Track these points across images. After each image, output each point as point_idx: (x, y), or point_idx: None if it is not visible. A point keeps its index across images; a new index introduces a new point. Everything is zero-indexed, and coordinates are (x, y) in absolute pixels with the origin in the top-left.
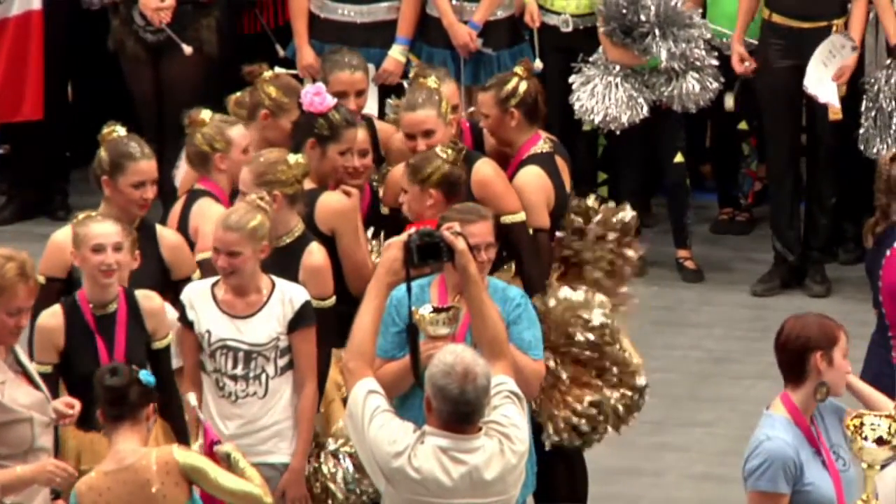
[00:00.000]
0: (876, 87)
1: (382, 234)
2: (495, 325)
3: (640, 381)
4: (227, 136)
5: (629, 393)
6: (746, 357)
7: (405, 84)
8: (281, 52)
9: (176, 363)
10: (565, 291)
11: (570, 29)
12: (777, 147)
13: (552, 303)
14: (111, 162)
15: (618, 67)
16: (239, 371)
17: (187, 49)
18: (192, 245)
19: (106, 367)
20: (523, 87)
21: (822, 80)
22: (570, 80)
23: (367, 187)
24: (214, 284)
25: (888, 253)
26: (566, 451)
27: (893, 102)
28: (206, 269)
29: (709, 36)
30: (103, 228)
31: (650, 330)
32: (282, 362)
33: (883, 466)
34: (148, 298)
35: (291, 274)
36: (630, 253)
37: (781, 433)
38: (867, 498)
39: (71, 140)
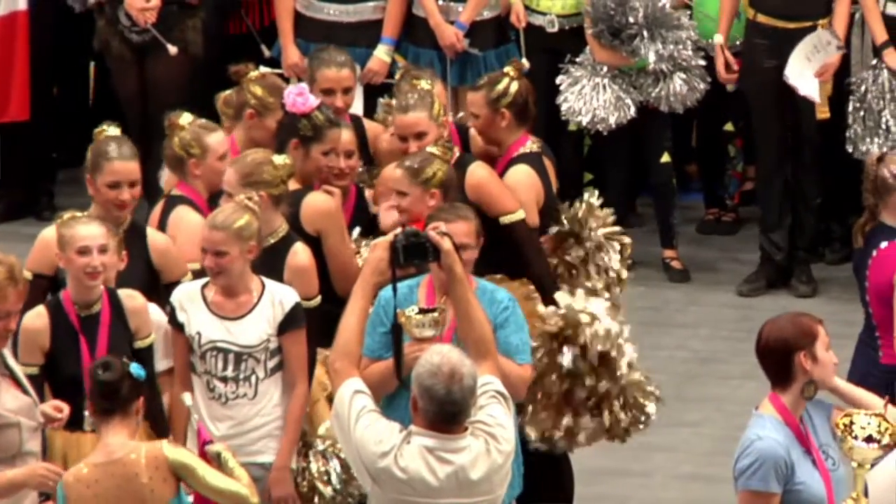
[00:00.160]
0: (863, 88)
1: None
2: (481, 326)
3: (650, 407)
4: (204, 142)
5: (637, 414)
6: (733, 357)
7: (394, 82)
8: (266, 53)
9: (166, 364)
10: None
11: (555, 29)
12: (765, 147)
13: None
14: (91, 161)
15: (605, 68)
16: (229, 373)
17: (172, 49)
18: None
19: (98, 361)
20: (514, 87)
21: (803, 73)
22: (557, 80)
23: (352, 188)
24: (205, 286)
25: (874, 253)
26: (552, 452)
27: (882, 102)
28: (196, 278)
29: (696, 37)
30: (89, 230)
31: (636, 330)
32: (272, 364)
33: (872, 465)
34: (131, 297)
35: (276, 274)
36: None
37: (772, 433)
38: (857, 497)
39: (57, 141)
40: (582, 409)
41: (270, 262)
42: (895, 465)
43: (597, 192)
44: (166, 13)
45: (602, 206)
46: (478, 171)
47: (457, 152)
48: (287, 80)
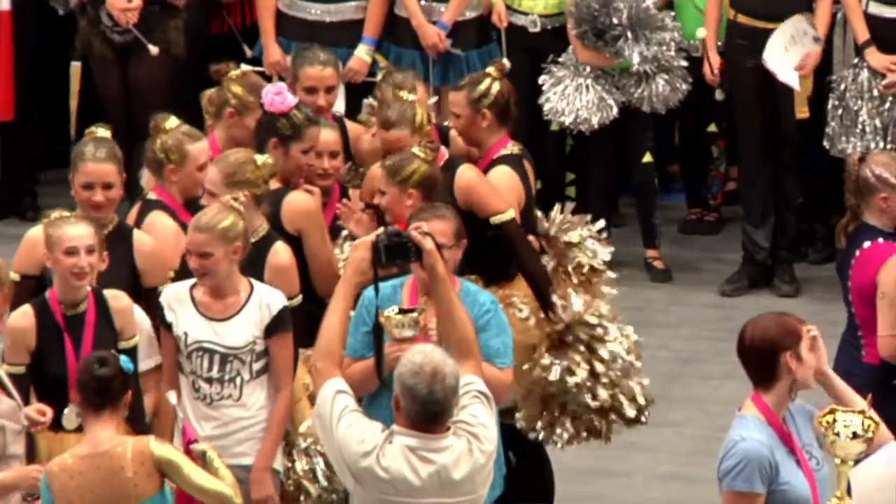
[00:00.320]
0: (843, 86)
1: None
2: (464, 325)
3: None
4: (185, 149)
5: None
6: (715, 357)
7: (375, 81)
8: (248, 53)
9: (148, 364)
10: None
11: (537, 29)
12: (747, 146)
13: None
14: (71, 161)
15: (588, 69)
16: (214, 373)
17: (153, 50)
18: None
19: (93, 355)
20: (496, 87)
21: (783, 61)
22: (540, 80)
23: (336, 187)
24: (193, 286)
25: (857, 253)
26: (532, 451)
27: (860, 101)
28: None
29: (679, 38)
30: (76, 231)
31: None
32: (257, 366)
33: (856, 462)
34: (116, 298)
35: (257, 273)
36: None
37: (755, 433)
38: (841, 495)
39: (40, 141)
40: (563, 413)
41: (251, 262)
42: (884, 465)
43: (560, 207)
44: (148, 13)
45: (578, 211)
46: (467, 173)
47: (445, 154)
48: (269, 79)
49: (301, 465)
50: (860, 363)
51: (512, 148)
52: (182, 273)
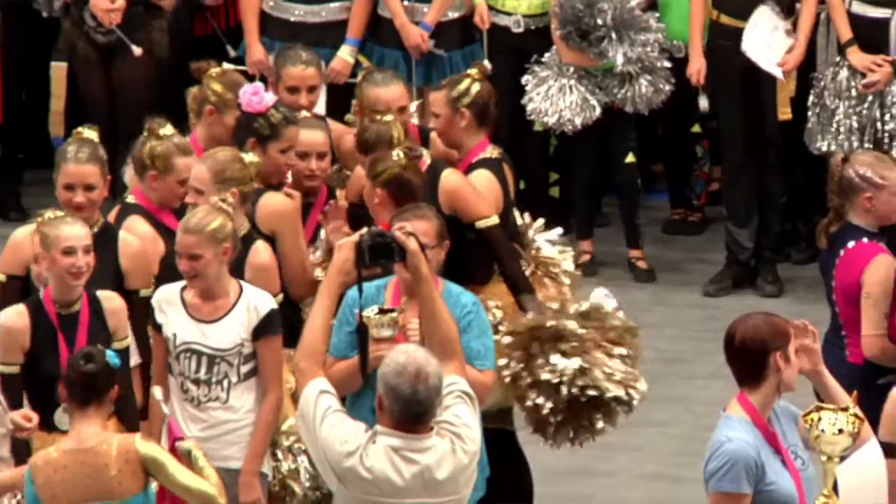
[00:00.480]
0: (822, 84)
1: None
2: (447, 325)
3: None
4: (171, 161)
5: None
6: (699, 357)
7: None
8: (232, 53)
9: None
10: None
11: (521, 30)
12: (730, 146)
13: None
14: (55, 161)
15: (572, 69)
16: (202, 375)
17: (137, 50)
18: None
19: (80, 351)
20: (475, 88)
21: (765, 53)
22: (523, 80)
23: (324, 188)
24: (184, 288)
25: (841, 253)
26: (510, 452)
27: (837, 100)
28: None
29: (663, 39)
30: (74, 231)
31: None
32: (245, 369)
33: (842, 459)
34: (109, 299)
35: (238, 272)
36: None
37: (741, 434)
38: (828, 493)
39: (24, 142)
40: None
41: (233, 260)
42: (870, 462)
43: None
44: (131, 14)
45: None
46: (451, 177)
47: (427, 159)
48: (251, 78)
49: (286, 464)
50: (844, 363)
51: (492, 152)
52: (159, 279)
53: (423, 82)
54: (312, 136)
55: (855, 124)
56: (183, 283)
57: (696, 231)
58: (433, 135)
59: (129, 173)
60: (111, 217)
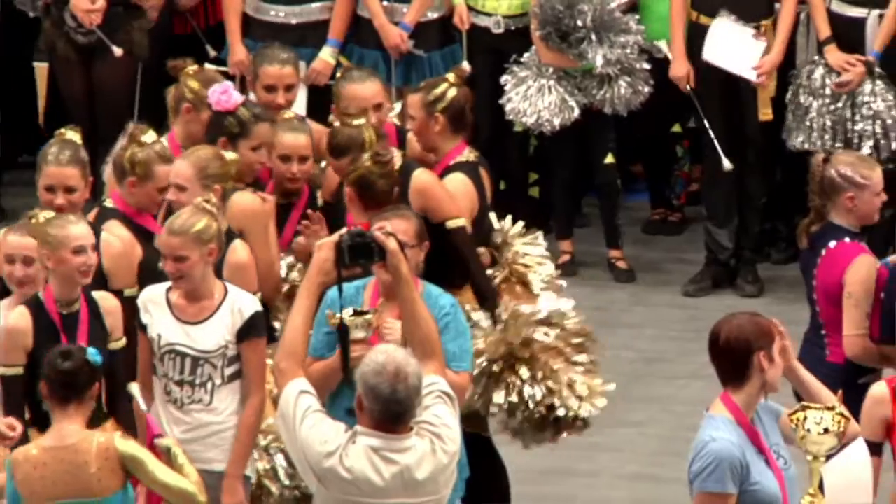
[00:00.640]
0: (798, 81)
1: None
2: (427, 325)
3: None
4: (152, 168)
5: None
6: (679, 357)
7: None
8: (212, 53)
9: None
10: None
11: (501, 30)
12: (710, 146)
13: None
14: (37, 162)
15: (551, 70)
16: (185, 377)
17: (117, 51)
18: None
19: (58, 349)
20: (452, 93)
21: (731, 57)
22: (502, 80)
23: (305, 189)
24: (170, 289)
25: (823, 252)
26: (486, 453)
27: (811, 98)
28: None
29: (643, 41)
30: (82, 230)
31: None
32: (229, 371)
33: (828, 458)
34: (105, 298)
35: (216, 271)
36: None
37: (726, 434)
38: (814, 492)
39: (3, 142)
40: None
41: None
42: (861, 461)
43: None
44: (112, 15)
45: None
46: (422, 176)
47: (398, 159)
48: (232, 79)
49: (262, 464)
50: (824, 362)
51: (468, 155)
52: (139, 282)
53: (403, 83)
54: (295, 138)
55: (829, 123)
56: (169, 283)
57: (675, 231)
58: (410, 135)
59: (108, 171)
60: (90, 217)
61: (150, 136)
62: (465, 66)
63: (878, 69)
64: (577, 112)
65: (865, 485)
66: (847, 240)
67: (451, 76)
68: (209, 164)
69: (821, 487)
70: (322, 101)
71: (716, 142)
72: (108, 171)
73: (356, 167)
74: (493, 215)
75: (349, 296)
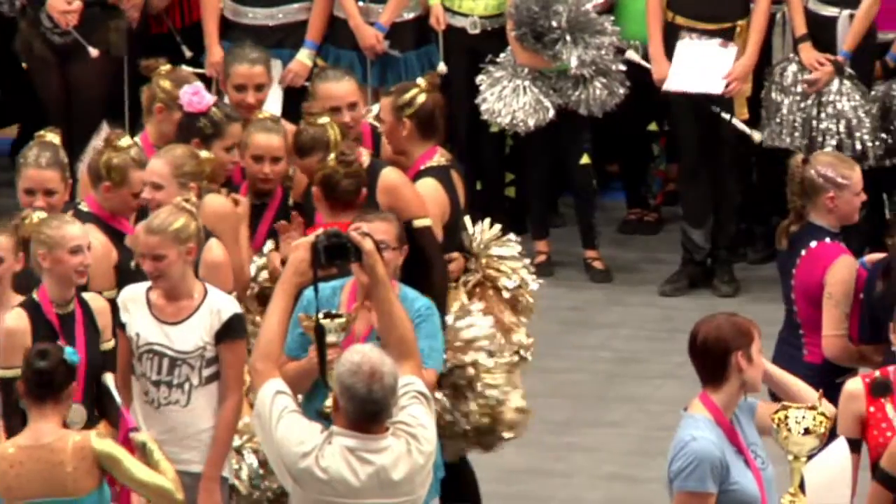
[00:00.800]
0: (772, 78)
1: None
2: (403, 326)
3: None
4: (127, 174)
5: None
6: (654, 357)
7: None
8: (188, 54)
9: None
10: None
11: (477, 31)
12: (686, 147)
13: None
14: (16, 164)
15: (526, 70)
16: (163, 377)
17: (93, 52)
18: None
19: (35, 348)
20: (421, 99)
21: (703, 80)
22: (478, 80)
23: (279, 190)
24: (150, 288)
25: (803, 253)
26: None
27: (782, 95)
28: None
29: (618, 42)
30: (76, 230)
31: (558, 330)
32: (207, 372)
33: (809, 458)
34: (95, 299)
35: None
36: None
37: (706, 433)
38: (794, 491)
39: None
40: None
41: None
42: (842, 459)
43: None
44: (88, 15)
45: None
46: (390, 175)
47: (366, 160)
48: (209, 80)
49: (231, 463)
50: (800, 362)
51: (439, 159)
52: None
53: (379, 83)
54: (267, 139)
55: (799, 120)
56: (148, 283)
57: (651, 231)
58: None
59: (82, 170)
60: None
61: (125, 140)
62: (442, 66)
63: (847, 69)
64: (552, 113)
65: (846, 484)
66: (828, 240)
67: (422, 81)
68: (185, 163)
69: (801, 487)
70: (298, 102)
71: (736, 122)
72: (82, 170)
73: (321, 167)
74: (467, 218)
75: (326, 297)
